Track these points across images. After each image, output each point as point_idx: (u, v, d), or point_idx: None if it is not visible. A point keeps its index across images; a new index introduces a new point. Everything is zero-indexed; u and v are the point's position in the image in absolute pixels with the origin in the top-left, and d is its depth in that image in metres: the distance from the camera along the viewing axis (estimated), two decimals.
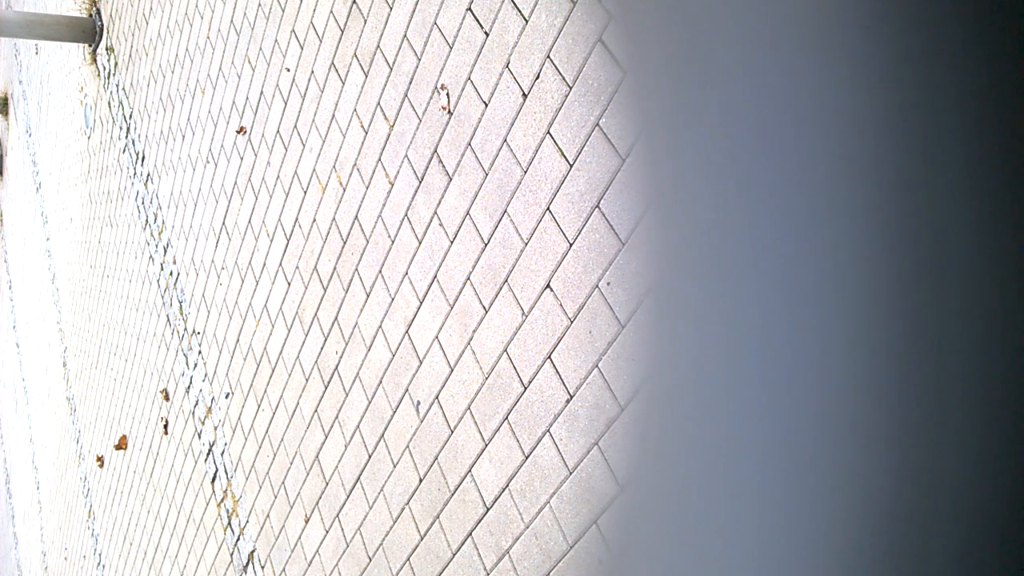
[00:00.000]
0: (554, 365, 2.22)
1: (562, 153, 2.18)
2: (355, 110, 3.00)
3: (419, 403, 2.75)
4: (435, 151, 2.63)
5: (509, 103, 2.35)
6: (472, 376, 2.52)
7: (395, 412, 2.87)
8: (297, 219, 3.42)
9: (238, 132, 3.85)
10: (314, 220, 3.29)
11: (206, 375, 4.38)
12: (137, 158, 5.37)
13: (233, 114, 3.94)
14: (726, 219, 0.33)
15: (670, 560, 0.35)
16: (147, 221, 5.18)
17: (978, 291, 0.29)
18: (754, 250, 0.32)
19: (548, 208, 2.23)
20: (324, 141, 3.20)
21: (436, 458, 2.68)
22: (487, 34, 2.41)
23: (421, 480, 2.75)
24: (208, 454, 4.40)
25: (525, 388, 2.32)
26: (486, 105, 2.43)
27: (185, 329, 4.62)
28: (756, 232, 0.32)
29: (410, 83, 2.72)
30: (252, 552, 3.95)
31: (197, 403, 4.51)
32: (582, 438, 2.14)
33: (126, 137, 5.55)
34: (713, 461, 0.33)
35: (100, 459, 6.64)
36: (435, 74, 2.62)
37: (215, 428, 4.29)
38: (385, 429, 2.92)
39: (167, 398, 4.96)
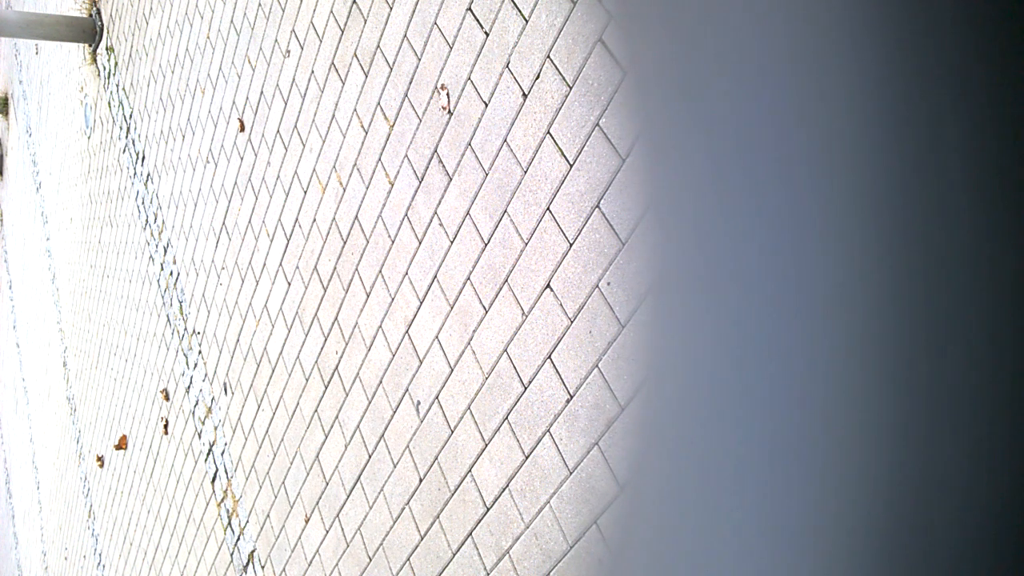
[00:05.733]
0: (554, 365, 2.22)
1: (562, 153, 2.18)
2: (355, 110, 3.00)
3: (419, 403, 2.75)
4: (435, 151, 2.63)
5: (509, 103, 2.35)
6: (472, 376, 2.52)
7: (395, 412, 2.87)
8: (297, 219, 3.42)
9: (239, 129, 3.85)
10: (314, 220, 3.29)
11: (206, 375, 4.38)
12: (137, 158, 5.37)
13: (233, 114, 3.94)
14: (726, 219, 0.33)
15: (670, 560, 0.35)
16: (147, 221, 5.18)
17: (978, 291, 0.29)
18: (754, 250, 0.32)
19: (548, 208, 2.23)
20: (324, 141, 3.20)
21: (436, 458, 2.68)
22: (487, 34, 2.41)
23: (421, 480, 2.75)
24: (208, 454, 4.40)
25: (525, 388, 2.32)
26: (486, 105, 2.43)
27: (185, 329, 4.62)
28: (756, 232, 0.32)
29: (410, 83, 2.72)
30: (252, 552, 3.95)
31: (197, 403, 4.51)
32: (582, 438, 2.14)
33: (126, 137, 5.55)
34: (713, 461, 0.33)
35: (100, 459, 6.64)
36: (435, 74, 2.62)
37: (215, 428, 4.29)
38: (385, 429, 2.92)
39: (167, 398, 4.96)
